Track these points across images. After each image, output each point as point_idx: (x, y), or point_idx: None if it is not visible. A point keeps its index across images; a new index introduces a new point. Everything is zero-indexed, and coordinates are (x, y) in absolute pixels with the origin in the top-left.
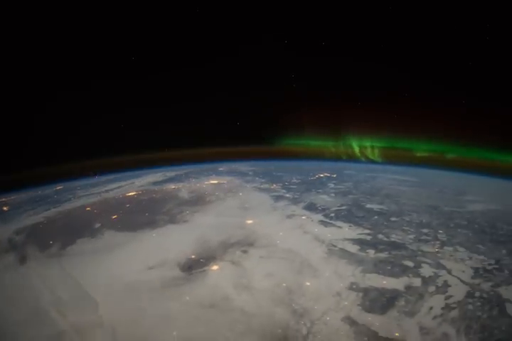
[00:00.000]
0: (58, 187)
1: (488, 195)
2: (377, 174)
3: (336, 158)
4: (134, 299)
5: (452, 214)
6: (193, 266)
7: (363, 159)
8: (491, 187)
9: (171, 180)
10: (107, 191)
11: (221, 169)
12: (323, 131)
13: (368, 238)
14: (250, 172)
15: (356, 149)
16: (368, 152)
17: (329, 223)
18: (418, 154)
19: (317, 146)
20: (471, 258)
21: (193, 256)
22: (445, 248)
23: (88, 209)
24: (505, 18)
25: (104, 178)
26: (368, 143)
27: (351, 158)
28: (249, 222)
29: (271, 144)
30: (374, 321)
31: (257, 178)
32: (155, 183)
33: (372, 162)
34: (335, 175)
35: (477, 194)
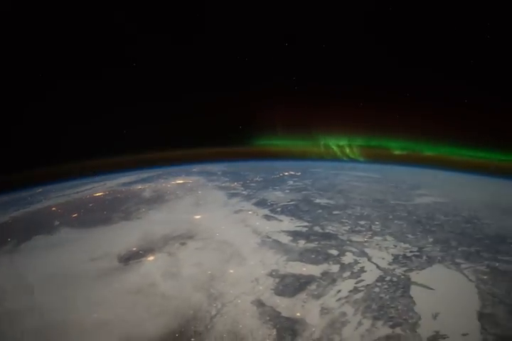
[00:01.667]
0: (39, 190)
1: (443, 190)
2: (343, 172)
3: (312, 157)
4: (68, 287)
5: (396, 207)
6: (131, 257)
7: (340, 158)
8: (453, 183)
9: (141, 181)
10: (77, 192)
11: (194, 170)
12: (300, 131)
13: (304, 230)
14: (219, 172)
15: (333, 148)
16: (345, 151)
17: (272, 217)
18: (395, 152)
19: (294, 146)
20: (395, 247)
21: (134, 249)
22: (374, 238)
23: (53, 209)
24: (505, 16)
25: (82, 180)
26: (344, 142)
27: (327, 157)
28: (197, 217)
29: (250, 145)
30: (281, 303)
31: (222, 178)
32: (124, 184)
33: (349, 160)
34: (299, 173)
35: (432, 188)
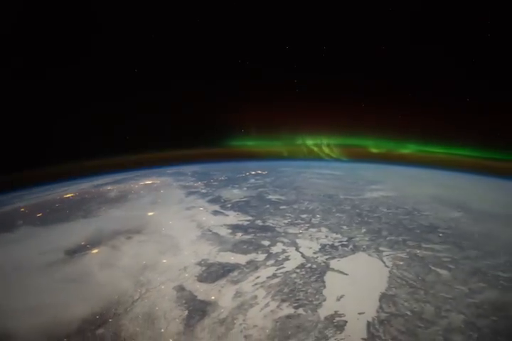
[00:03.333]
0: (20, 193)
1: (399, 185)
2: (309, 170)
3: (291, 157)
4: (11, 277)
5: (343, 201)
6: (78, 251)
7: (318, 157)
8: (414, 178)
9: (113, 182)
10: (51, 194)
11: (168, 171)
12: (278, 132)
13: (245, 223)
14: (189, 173)
15: (312, 148)
16: (323, 150)
17: (220, 212)
18: (373, 151)
19: (271, 146)
20: (326, 237)
21: (82, 243)
22: (310, 229)
23: (22, 209)
24: (505, 15)
25: (66, 182)
26: (323, 142)
27: (305, 157)
28: (150, 214)
29: (230, 146)
30: (200, 288)
31: (189, 177)
32: (97, 185)
33: (328, 160)
34: (265, 172)
35: (388, 184)
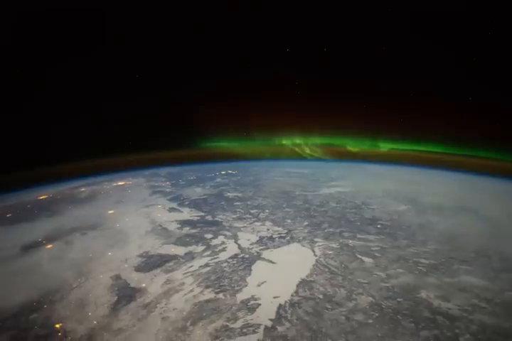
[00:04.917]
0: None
1: (359, 181)
2: (278, 169)
3: (274, 157)
4: None
5: (296, 197)
6: (33, 246)
7: (300, 157)
8: (379, 175)
9: (90, 183)
10: (27, 195)
11: (146, 173)
12: (260, 133)
13: (196, 219)
14: (163, 174)
15: (293, 148)
16: (304, 150)
17: (176, 209)
18: (350, 149)
19: (253, 147)
20: (268, 230)
21: (39, 239)
22: (254, 223)
23: None
24: (506, 13)
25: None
26: (302, 141)
27: (287, 157)
28: (110, 212)
29: (213, 148)
30: (134, 277)
31: (160, 178)
32: (73, 187)
33: (308, 159)
34: (235, 172)
35: (348, 180)
